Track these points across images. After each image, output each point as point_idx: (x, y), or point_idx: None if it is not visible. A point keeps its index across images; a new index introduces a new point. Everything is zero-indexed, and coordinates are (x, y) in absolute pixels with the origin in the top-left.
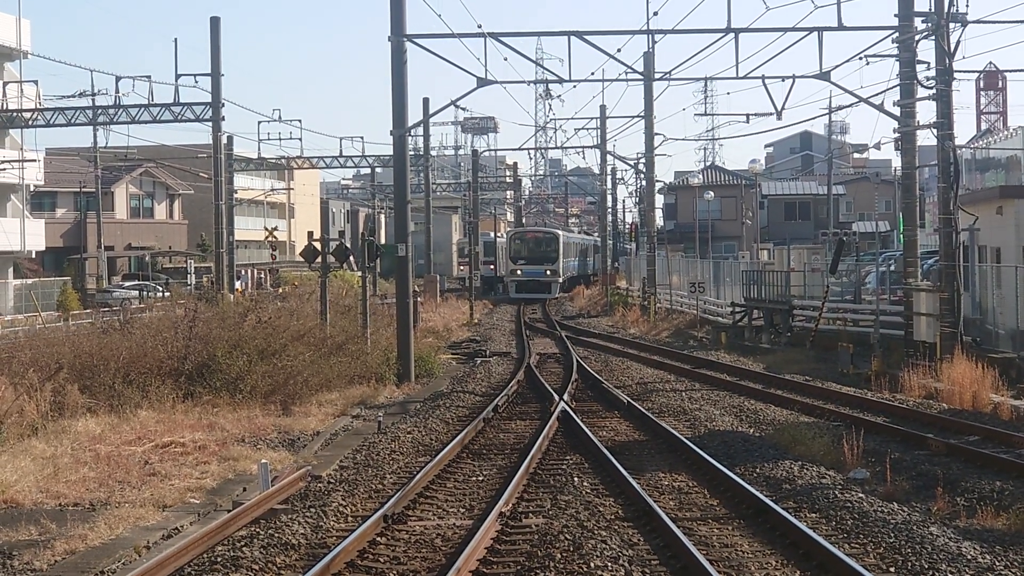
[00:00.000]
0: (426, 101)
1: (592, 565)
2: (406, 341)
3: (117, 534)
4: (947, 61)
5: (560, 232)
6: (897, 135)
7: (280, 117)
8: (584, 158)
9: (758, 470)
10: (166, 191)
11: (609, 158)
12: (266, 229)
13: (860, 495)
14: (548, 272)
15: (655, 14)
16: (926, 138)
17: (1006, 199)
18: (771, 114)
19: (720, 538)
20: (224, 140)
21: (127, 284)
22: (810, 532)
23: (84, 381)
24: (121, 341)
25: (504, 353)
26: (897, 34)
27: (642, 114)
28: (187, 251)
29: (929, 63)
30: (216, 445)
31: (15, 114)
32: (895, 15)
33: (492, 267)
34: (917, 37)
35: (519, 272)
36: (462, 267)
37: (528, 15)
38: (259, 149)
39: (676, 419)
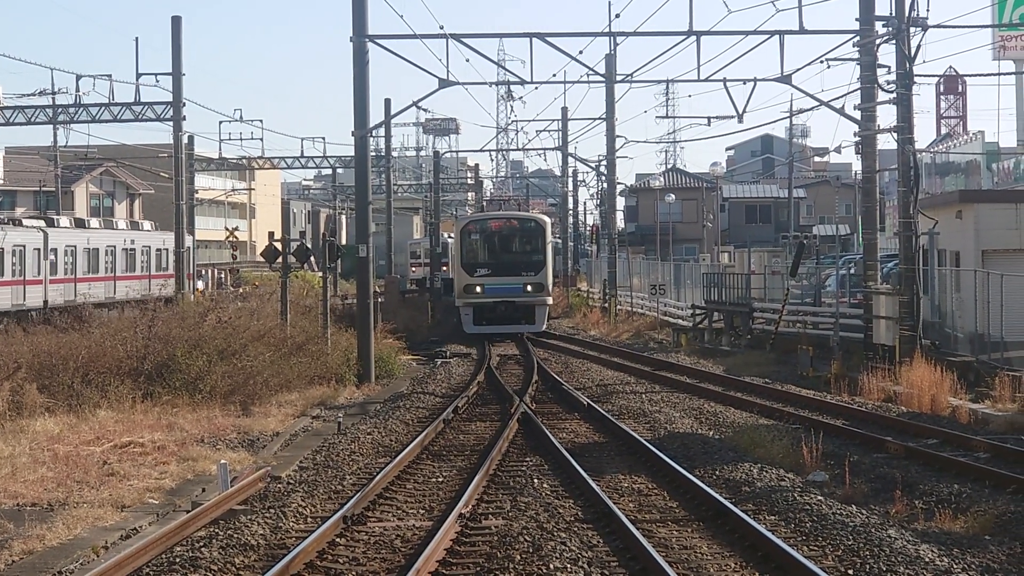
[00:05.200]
0: (388, 102)
1: (551, 567)
2: (366, 342)
3: (75, 534)
4: (907, 65)
5: (547, 219)
6: (858, 139)
7: (241, 117)
8: (545, 160)
9: (717, 472)
10: (126, 191)
11: (570, 160)
12: (227, 229)
13: (819, 497)
14: (529, 287)
15: (617, 16)
16: (886, 142)
17: (965, 203)
18: (732, 117)
19: (679, 540)
20: (185, 140)
21: None
22: (769, 534)
23: (43, 380)
24: (80, 340)
25: (464, 355)
26: (858, 38)
27: (604, 116)
28: None
29: (890, 67)
30: (175, 445)
31: None
32: (856, 19)
33: (445, 268)
34: (878, 41)
35: (479, 289)
36: (414, 269)
37: (490, 17)
38: (220, 149)
39: (636, 421)
